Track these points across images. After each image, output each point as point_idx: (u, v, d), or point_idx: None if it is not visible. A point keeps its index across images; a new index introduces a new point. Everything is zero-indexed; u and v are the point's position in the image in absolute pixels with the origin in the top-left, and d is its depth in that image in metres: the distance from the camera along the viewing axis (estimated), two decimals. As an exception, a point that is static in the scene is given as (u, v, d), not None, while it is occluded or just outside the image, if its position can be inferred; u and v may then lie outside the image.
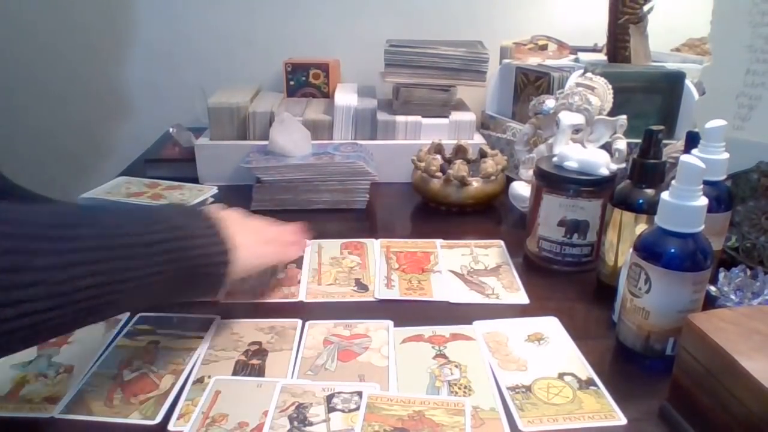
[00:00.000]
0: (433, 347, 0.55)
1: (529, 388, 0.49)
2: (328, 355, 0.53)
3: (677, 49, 1.14)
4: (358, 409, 0.46)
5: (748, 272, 0.58)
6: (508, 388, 0.49)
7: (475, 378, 0.51)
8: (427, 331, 0.57)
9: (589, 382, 0.50)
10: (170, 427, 0.45)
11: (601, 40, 1.05)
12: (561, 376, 0.51)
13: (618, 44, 0.97)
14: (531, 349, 0.55)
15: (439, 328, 0.57)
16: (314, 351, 0.54)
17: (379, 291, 0.64)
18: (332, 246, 0.75)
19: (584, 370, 0.52)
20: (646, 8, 0.95)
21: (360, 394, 0.48)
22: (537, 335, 0.57)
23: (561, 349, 0.55)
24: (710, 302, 0.55)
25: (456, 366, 0.52)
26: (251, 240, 0.57)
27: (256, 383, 0.50)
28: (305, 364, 0.52)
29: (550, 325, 0.58)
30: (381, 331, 0.57)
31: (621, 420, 0.46)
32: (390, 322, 0.58)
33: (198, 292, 0.53)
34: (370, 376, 0.51)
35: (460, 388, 0.49)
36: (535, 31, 1.12)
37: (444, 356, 0.54)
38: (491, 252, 0.73)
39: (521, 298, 0.64)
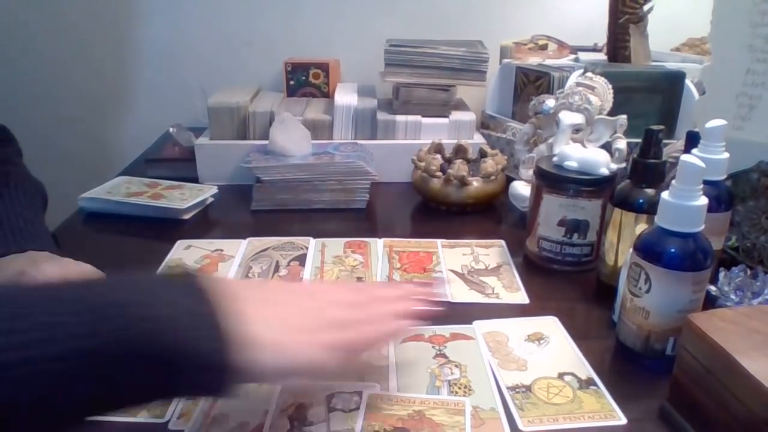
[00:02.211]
0: (433, 347, 0.55)
1: (529, 388, 0.49)
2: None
3: (677, 49, 1.14)
4: (358, 409, 0.46)
5: (748, 272, 0.58)
6: (508, 388, 0.49)
7: (475, 378, 0.51)
8: (427, 330, 0.57)
9: (589, 382, 0.50)
10: (171, 426, 0.45)
11: (601, 39, 1.05)
12: (561, 375, 0.51)
13: (618, 44, 0.97)
14: (531, 348, 0.55)
15: (439, 328, 0.57)
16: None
17: (380, 291, 0.64)
18: (336, 245, 0.75)
19: (584, 369, 0.52)
20: (646, 8, 0.95)
21: (360, 394, 0.48)
22: (537, 335, 0.57)
23: (561, 349, 0.55)
24: (710, 302, 0.55)
25: (456, 366, 0.52)
26: (289, 326, 0.39)
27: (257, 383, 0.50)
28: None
29: (551, 325, 0.58)
30: None
31: (621, 420, 0.46)
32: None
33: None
34: (370, 376, 0.50)
35: (460, 388, 0.49)
36: (535, 30, 1.12)
37: (444, 356, 0.54)
38: (492, 252, 0.73)
39: (521, 297, 0.64)
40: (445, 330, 0.57)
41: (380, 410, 0.46)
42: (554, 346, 0.55)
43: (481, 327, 0.58)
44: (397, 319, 0.44)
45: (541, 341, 0.56)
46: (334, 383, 0.49)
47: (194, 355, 0.34)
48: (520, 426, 0.45)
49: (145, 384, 0.34)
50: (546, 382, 0.50)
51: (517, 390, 0.49)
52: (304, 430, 0.44)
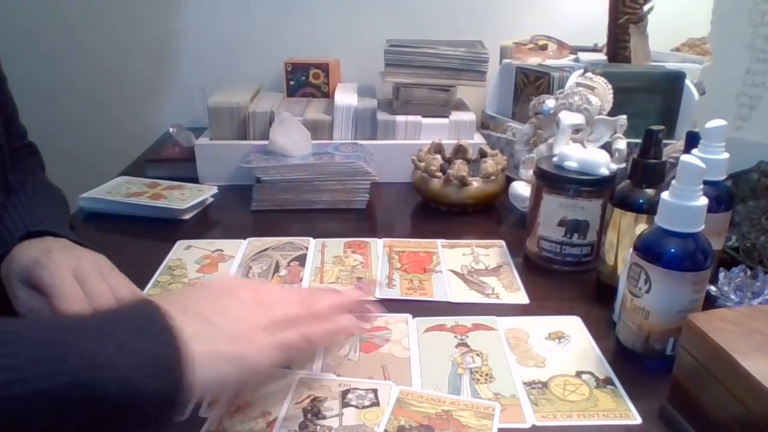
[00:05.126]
0: (455, 336, 0.56)
1: (545, 385, 0.50)
2: (350, 347, 0.54)
3: (677, 49, 1.14)
4: (371, 405, 0.47)
5: (748, 272, 0.58)
6: (524, 383, 0.50)
7: (496, 366, 0.52)
8: (449, 321, 0.58)
9: (607, 381, 0.50)
10: (201, 413, 0.46)
11: (601, 39, 1.05)
12: (579, 374, 0.51)
13: (618, 44, 0.97)
14: (551, 346, 0.55)
15: (462, 319, 0.59)
16: (337, 342, 0.55)
17: (380, 290, 0.64)
18: (336, 245, 0.75)
19: (603, 369, 0.52)
20: (646, 8, 0.95)
21: (375, 391, 0.48)
22: (558, 333, 0.57)
23: (582, 348, 0.55)
24: (710, 302, 0.55)
25: (477, 355, 0.53)
26: (221, 335, 0.39)
27: (280, 374, 0.50)
28: (329, 354, 0.53)
29: (573, 325, 0.59)
30: (400, 324, 0.58)
31: (635, 419, 0.46)
32: (409, 316, 0.59)
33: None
34: (393, 367, 0.51)
35: (481, 376, 0.50)
36: (535, 30, 1.12)
37: (466, 345, 0.55)
38: (492, 252, 0.73)
39: (521, 297, 0.64)
40: (467, 320, 0.58)
41: (409, 406, 0.47)
42: (574, 346, 0.55)
43: (503, 323, 0.58)
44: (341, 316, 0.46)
45: (562, 340, 0.56)
46: (350, 379, 0.50)
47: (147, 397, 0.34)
48: (534, 421, 0.46)
49: (92, 424, 0.34)
50: (563, 379, 0.51)
51: (533, 386, 0.50)
52: (317, 423, 0.45)
